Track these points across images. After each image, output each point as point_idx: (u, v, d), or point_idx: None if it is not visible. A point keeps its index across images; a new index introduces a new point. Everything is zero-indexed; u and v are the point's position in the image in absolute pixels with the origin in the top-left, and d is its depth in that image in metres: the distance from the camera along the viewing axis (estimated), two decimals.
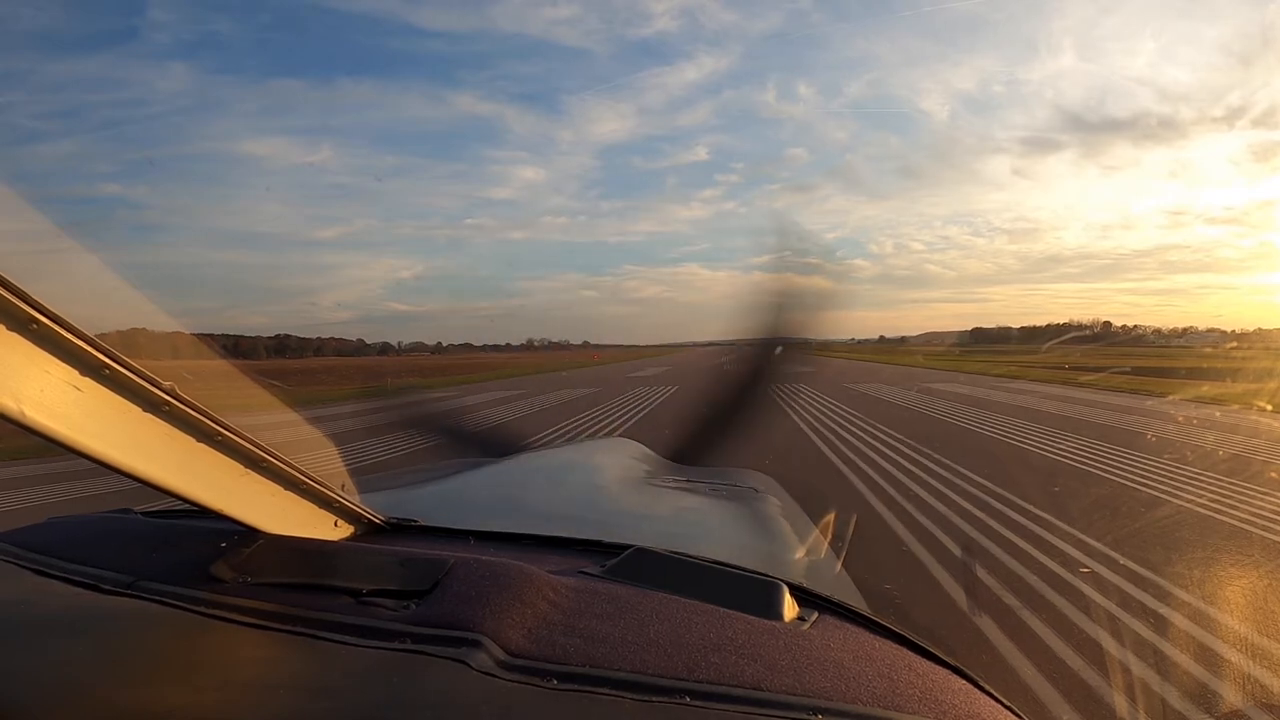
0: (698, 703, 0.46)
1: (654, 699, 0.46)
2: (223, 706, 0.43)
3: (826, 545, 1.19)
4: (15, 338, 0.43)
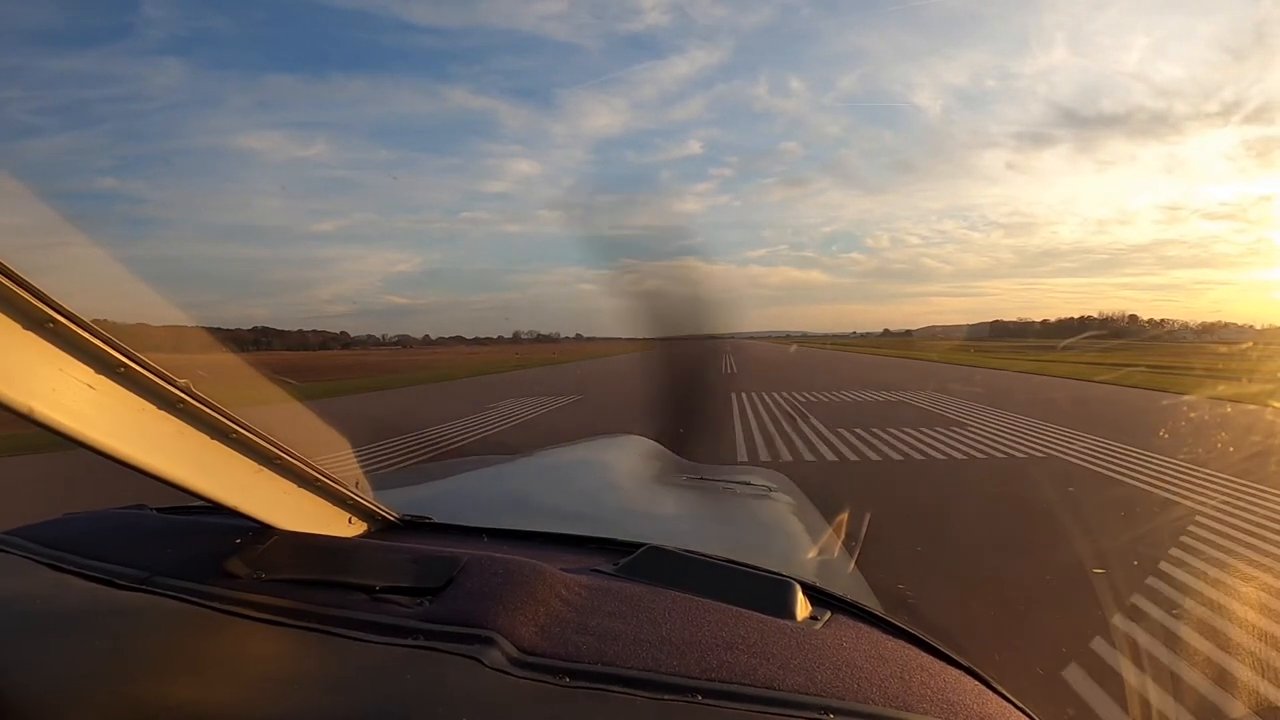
0: (710, 701, 0.46)
1: (666, 697, 0.46)
2: (236, 702, 0.43)
3: (840, 544, 1.19)
4: (31, 336, 0.43)
